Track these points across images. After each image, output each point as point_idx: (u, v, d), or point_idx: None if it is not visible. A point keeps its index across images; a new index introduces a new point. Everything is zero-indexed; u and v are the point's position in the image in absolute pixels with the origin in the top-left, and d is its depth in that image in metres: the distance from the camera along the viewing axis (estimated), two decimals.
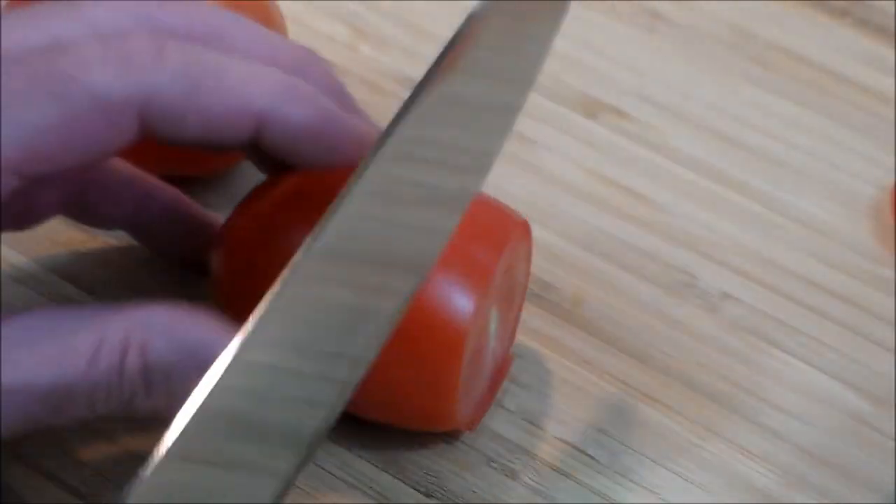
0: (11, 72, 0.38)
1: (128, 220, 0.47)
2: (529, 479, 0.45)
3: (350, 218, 0.38)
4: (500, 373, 0.47)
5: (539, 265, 0.51)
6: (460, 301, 0.42)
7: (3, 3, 0.50)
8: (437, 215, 0.40)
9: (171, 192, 0.47)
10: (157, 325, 0.39)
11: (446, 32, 0.60)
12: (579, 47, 0.58)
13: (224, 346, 0.38)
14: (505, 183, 0.53)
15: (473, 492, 0.45)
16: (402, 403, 0.43)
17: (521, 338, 0.48)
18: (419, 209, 0.40)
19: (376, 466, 0.45)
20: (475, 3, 0.41)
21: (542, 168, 0.54)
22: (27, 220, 0.45)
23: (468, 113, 0.40)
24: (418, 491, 0.45)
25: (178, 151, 0.42)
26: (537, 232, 0.52)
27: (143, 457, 0.45)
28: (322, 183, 0.43)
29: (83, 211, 0.46)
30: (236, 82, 0.40)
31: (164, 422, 0.36)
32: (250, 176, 0.50)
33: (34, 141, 0.38)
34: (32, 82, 0.38)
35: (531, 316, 0.49)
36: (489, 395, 0.46)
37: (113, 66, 0.38)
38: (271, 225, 0.43)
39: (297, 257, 0.37)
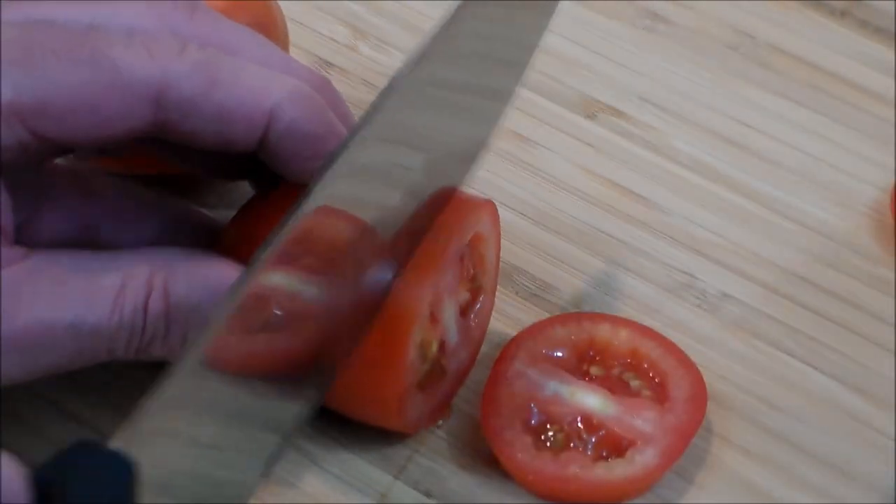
0: (49, 34, 0.39)
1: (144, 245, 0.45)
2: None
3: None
4: (458, 380, 0.47)
5: (539, 265, 0.51)
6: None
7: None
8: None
9: (192, 213, 0.47)
10: (179, 267, 0.40)
11: None
12: (579, 47, 0.58)
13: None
14: (504, 183, 0.53)
15: (473, 492, 0.45)
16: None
17: None
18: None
19: (376, 466, 0.45)
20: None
21: (541, 168, 0.54)
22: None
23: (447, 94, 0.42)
24: (418, 491, 0.45)
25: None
26: (537, 232, 0.52)
27: None
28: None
29: (96, 241, 0.45)
30: (252, 82, 0.41)
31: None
32: None
33: (48, 96, 0.39)
34: (63, 46, 0.39)
35: (531, 316, 0.49)
36: (444, 402, 0.46)
37: (138, 50, 0.39)
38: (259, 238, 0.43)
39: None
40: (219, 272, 0.41)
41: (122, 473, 0.34)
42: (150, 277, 0.40)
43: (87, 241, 0.44)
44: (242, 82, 0.40)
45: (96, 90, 0.39)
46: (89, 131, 0.39)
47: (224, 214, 0.50)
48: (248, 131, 0.41)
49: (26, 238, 0.43)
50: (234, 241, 0.44)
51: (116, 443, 0.34)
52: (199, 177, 0.51)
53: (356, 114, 0.54)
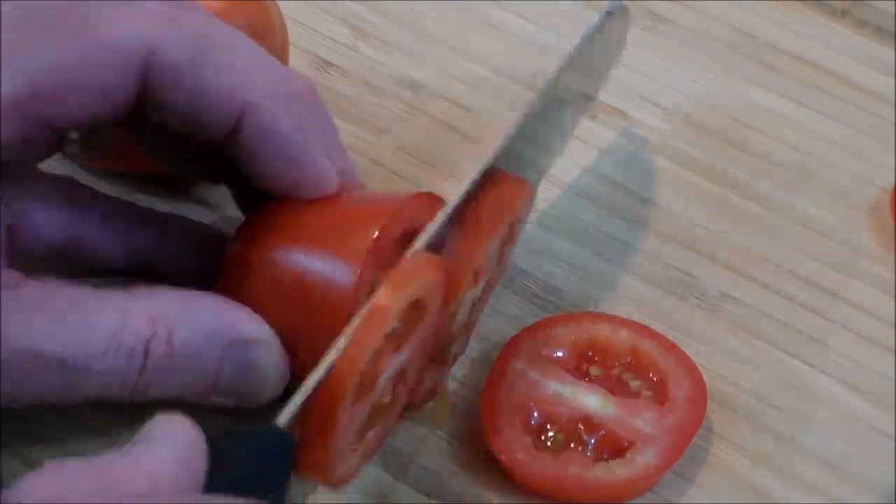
0: (36, 11, 0.39)
1: (133, 258, 0.45)
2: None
3: None
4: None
5: (540, 265, 0.51)
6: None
7: None
8: None
9: (183, 222, 0.46)
10: (182, 312, 0.40)
11: (445, 32, 0.60)
12: None
13: (246, 326, 0.40)
14: None
15: (473, 492, 0.45)
16: None
17: None
18: None
19: (377, 467, 0.45)
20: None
21: None
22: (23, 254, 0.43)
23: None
24: (418, 491, 0.45)
25: None
26: (537, 232, 0.52)
27: None
28: (302, 212, 0.43)
29: (81, 251, 0.44)
30: (238, 67, 0.41)
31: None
32: None
33: (43, 79, 0.38)
34: (51, 25, 0.39)
35: (531, 316, 0.49)
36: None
37: (129, 18, 0.39)
38: (263, 255, 0.42)
39: None
40: (222, 318, 0.40)
41: (283, 448, 0.37)
42: (150, 322, 0.39)
43: (74, 251, 0.43)
44: (229, 65, 0.40)
45: (89, 65, 0.39)
46: (84, 104, 0.39)
47: (224, 213, 0.50)
48: (219, 117, 0.40)
49: (11, 249, 0.42)
50: (241, 253, 0.43)
51: (279, 421, 0.37)
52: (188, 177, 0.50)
53: (357, 112, 0.54)
